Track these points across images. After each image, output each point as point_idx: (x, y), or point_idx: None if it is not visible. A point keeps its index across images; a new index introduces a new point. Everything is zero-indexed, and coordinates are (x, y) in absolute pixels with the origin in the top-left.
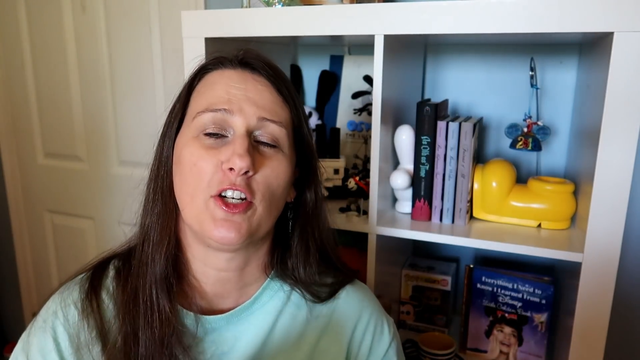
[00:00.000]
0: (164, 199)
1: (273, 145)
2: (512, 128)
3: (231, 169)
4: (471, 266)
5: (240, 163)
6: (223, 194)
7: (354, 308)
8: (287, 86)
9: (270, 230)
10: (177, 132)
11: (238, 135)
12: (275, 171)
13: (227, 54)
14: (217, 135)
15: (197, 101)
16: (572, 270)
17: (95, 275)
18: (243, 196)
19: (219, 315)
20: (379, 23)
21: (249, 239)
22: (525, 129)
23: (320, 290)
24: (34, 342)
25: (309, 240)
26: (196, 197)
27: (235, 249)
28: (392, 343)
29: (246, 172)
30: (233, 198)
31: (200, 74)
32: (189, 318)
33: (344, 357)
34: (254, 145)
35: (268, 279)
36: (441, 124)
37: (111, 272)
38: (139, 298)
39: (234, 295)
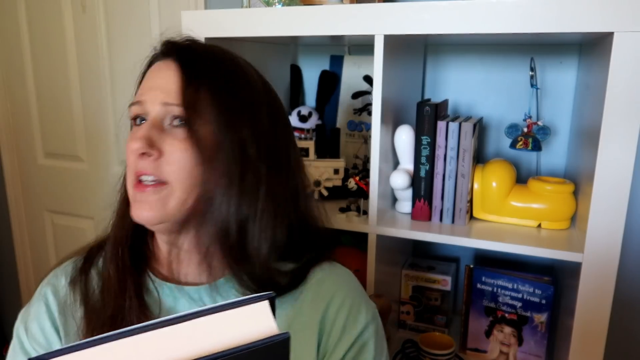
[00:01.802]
0: (120, 197)
1: (182, 124)
2: (512, 128)
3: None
4: (471, 266)
5: (132, 145)
6: (140, 179)
7: (328, 288)
8: (201, 64)
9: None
10: None
11: (145, 122)
12: (187, 150)
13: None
14: (140, 123)
15: None
16: (572, 270)
17: (90, 254)
18: (152, 178)
19: (200, 286)
20: (379, 23)
21: (168, 219)
22: (525, 129)
23: (279, 281)
24: (30, 312)
25: (263, 224)
26: (129, 181)
27: (160, 229)
28: (370, 326)
29: (144, 154)
30: (146, 181)
31: (143, 78)
32: (165, 288)
33: (316, 339)
34: (167, 129)
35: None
36: (441, 124)
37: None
38: (112, 291)
39: (196, 272)
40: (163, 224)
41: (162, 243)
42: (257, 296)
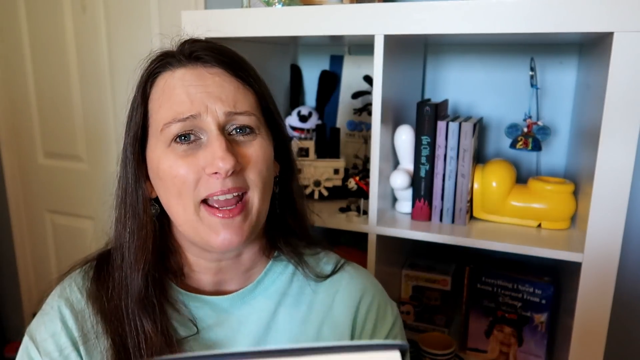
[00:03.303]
0: (135, 215)
1: (248, 132)
2: (512, 128)
3: (216, 172)
4: (471, 266)
5: (225, 165)
6: (215, 198)
7: (357, 288)
8: (244, 67)
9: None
10: (142, 143)
11: (213, 136)
12: (260, 157)
13: (171, 51)
14: (189, 139)
15: (159, 111)
16: (572, 270)
17: (100, 264)
18: (236, 194)
19: (222, 297)
20: (379, 23)
21: (253, 234)
22: (525, 129)
23: (322, 267)
24: (41, 330)
25: (299, 213)
26: (187, 205)
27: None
28: (396, 323)
29: (233, 172)
30: (227, 201)
31: (150, 79)
32: (193, 300)
33: (349, 336)
34: (230, 139)
35: (270, 261)
36: (441, 124)
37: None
38: (123, 319)
39: (237, 280)
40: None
41: (206, 262)
42: (387, 344)
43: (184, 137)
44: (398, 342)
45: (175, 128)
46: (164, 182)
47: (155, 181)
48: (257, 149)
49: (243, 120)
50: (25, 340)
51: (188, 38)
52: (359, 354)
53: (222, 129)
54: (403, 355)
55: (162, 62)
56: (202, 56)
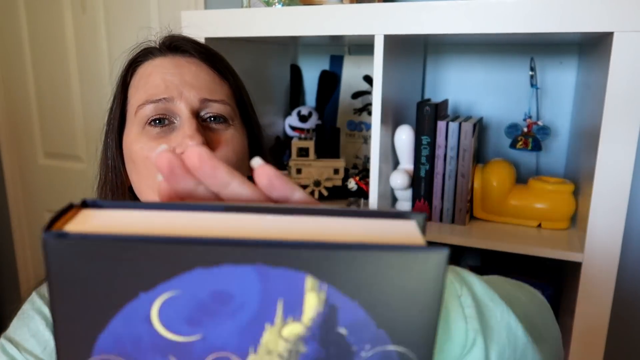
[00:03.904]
0: (115, 199)
1: (222, 120)
2: (512, 128)
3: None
4: (471, 266)
5: (193, 144)
6: None
7: None
8: (221, 61)
9: None
10: (120, 131)
11: (185, 119)
12: (231, 144)
13: (153, 43)
14: (163, 123)
15: (136, 95)
16: (572, 270)
17: None
18: None
19: None
20: (379, 23)
21: None
22: (525, 129)
23: None
24: (23, 332)
25: None
26: (156, 187)
27: None
28: None
29: None
30: None
31: (131, 68)
32: None
33: None
34: (204, 126)
35: None
36: (441, 124)
37: None
38: None
39: None
40: None
41: None
42: (404, 213)
43: (158, 121)
44: (415, 212)
45: (148, 109)
46: (136, 165)
47: (129, 165)
48: (228, 137)
49: (218, 108)
50: (2, 342)
51: (169, 34)
52: (372, 220)
53: (196, 115)
54: (422, 226)
55: (144, 52)
56: (181, 45)
